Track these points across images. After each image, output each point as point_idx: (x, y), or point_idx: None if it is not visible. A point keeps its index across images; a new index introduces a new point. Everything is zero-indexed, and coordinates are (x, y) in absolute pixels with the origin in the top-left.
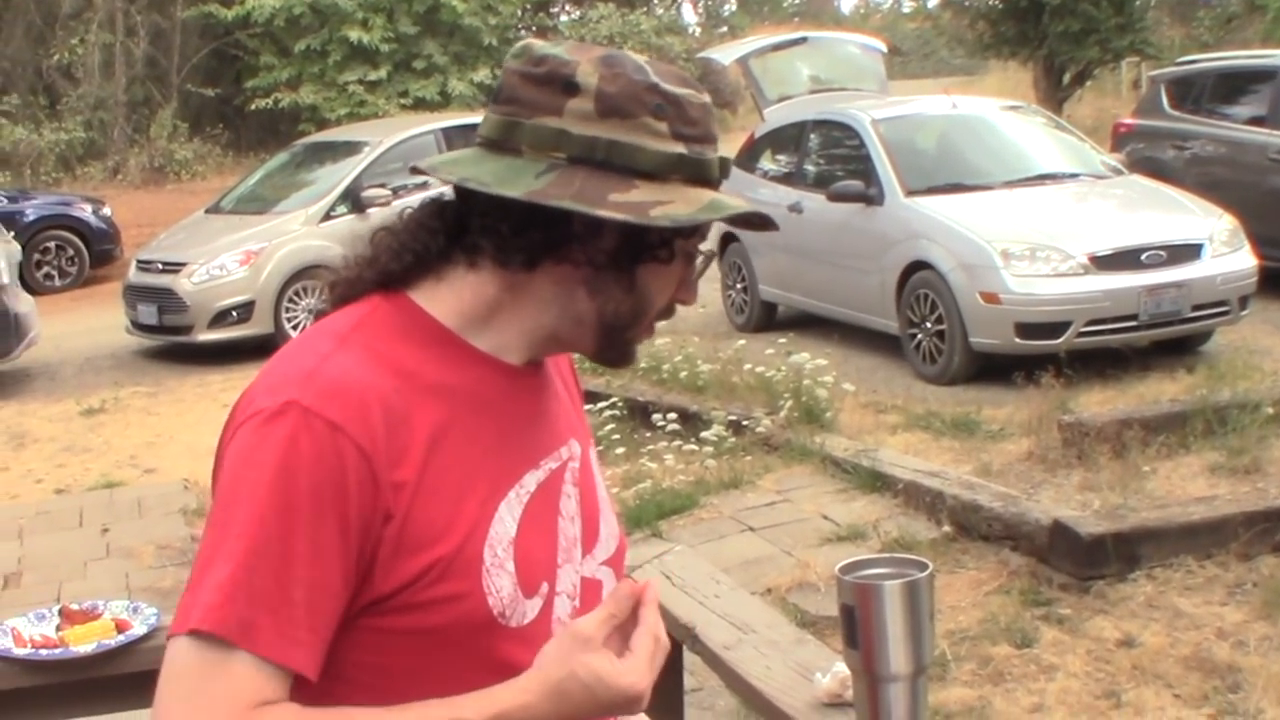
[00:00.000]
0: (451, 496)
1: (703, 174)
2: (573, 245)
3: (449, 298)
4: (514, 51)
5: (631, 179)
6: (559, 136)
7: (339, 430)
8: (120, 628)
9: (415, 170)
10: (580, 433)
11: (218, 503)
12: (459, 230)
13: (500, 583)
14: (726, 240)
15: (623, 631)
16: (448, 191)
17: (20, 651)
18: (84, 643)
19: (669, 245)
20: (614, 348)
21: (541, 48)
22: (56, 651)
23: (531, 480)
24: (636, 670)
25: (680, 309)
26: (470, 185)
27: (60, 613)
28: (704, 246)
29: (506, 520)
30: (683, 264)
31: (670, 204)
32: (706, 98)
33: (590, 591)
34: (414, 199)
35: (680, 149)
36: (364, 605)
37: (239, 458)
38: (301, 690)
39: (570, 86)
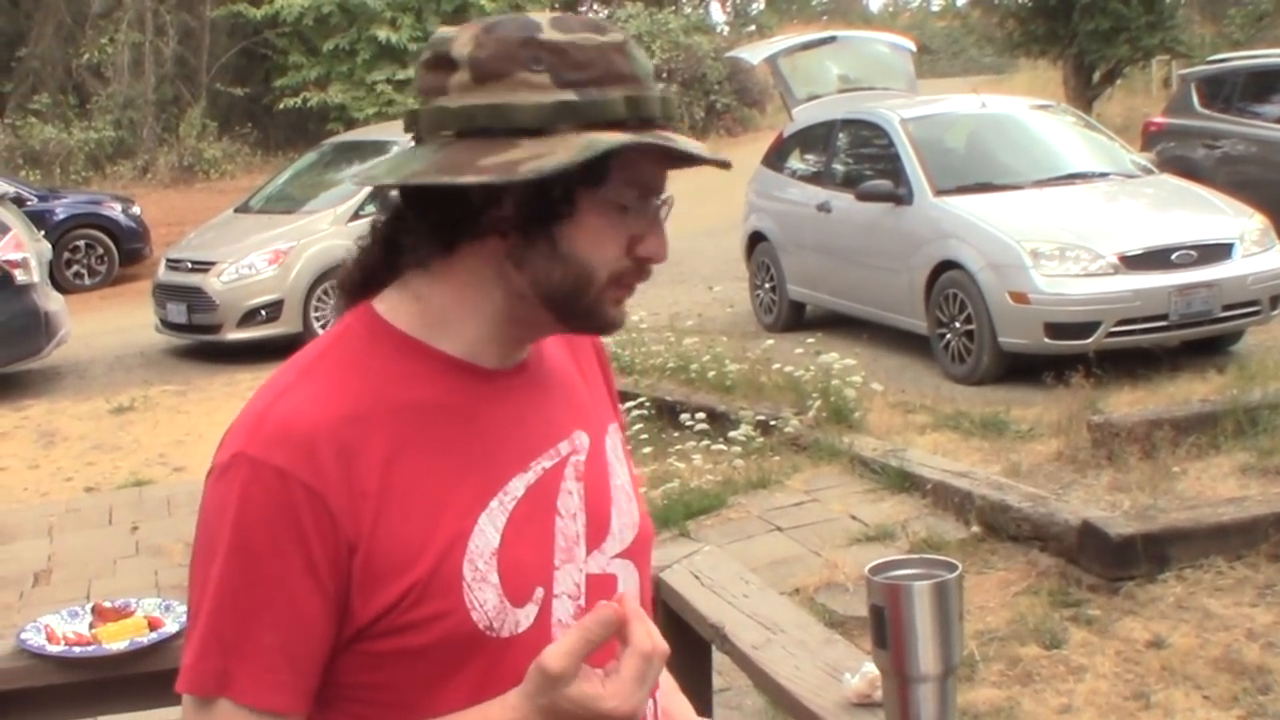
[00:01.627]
0: (421, 518)
1: (601, 115)
2: (478, 220)
3: (408, 303)
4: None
5: (514, 139)
6: (442, 114)
7: (287, 474)
8: (153, 625)
9: (354, 178)
10: (591, 423)
11: (191, 561)
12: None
13: (484, 596)
14: (754, 240)
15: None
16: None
17: (53, 649)
18: (117, 640)
19: (572, 200)
20: (576, 317)
21: (438, 33)
22: (89, 649)
23: (519, 484)
24: (620, 694)
25: (706, 307)
26: (361, 182)
27: (93, 610)
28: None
29: (488, 531)
30: (616, 215)
31: (545, 156)
32: (610, 38)
33: (600, 588)
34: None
35: (566, 95)
36: (351, 634)
37: (201, 515)
38: None
39: (449, 62)
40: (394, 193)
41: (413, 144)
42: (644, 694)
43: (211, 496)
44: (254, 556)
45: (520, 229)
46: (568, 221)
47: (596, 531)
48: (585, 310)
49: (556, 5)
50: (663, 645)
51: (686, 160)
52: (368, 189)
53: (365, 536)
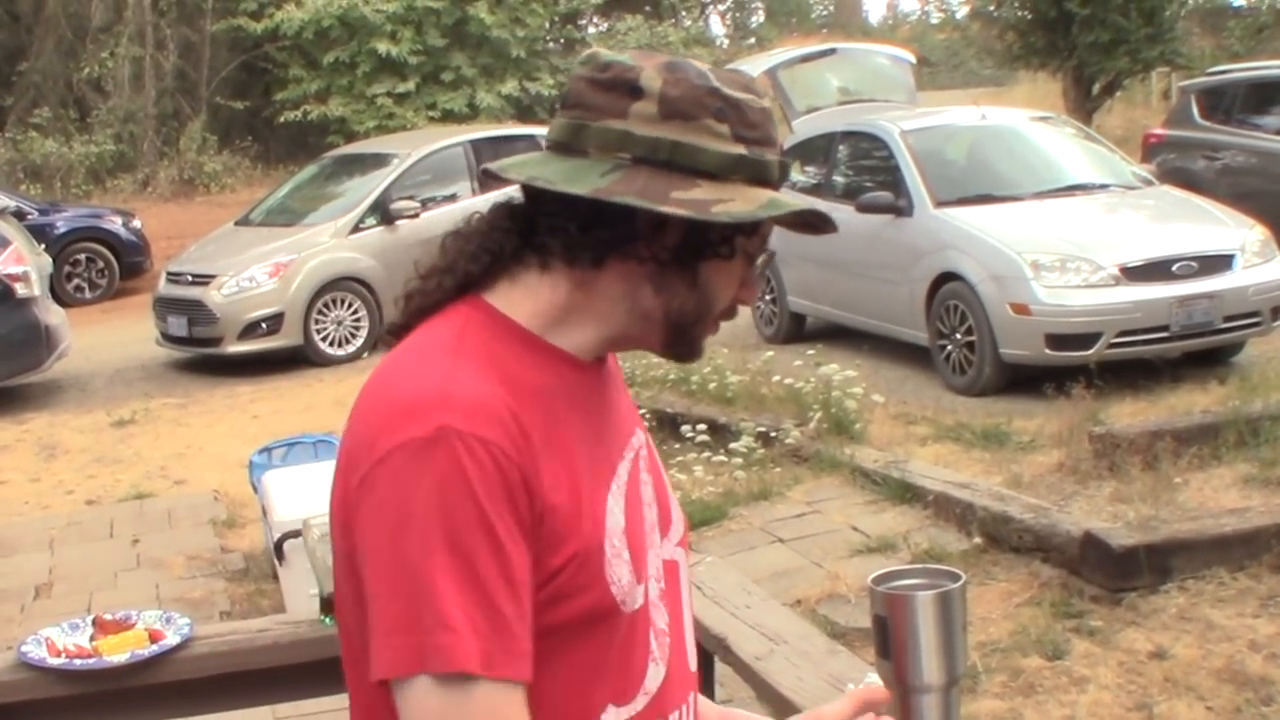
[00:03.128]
0: (572, 494)
1: (763, 175)
2: (638, 242)
3: (526, 300)
4: (581, 59)
5: (694, 178)
6: (624, 138)
7: (495, 444)
8: (153, 638)
9: (486, 172)
10: (640, 422)
11: (390, 540)
12: (529, 231)
13: (619, 572)
14: None
15: None
16: (516, 195)
17: (54, 661)
18: (117, 652)
19: (730, 243)
20: (681, 344)
21: (608, 55)
22: (90, 661)
23: (624, 471)
24: None
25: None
26: (538, 184)
27: (94, 623)
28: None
29: (615, 512)
30: (743, 263)
31: (731, 202)
32: (767, 103)
33: (670, 573)
34: (442, 210)
35: (741, 150)
36: None
37: (400, 492)
38: None
39: (635, 90)
40: (518, 193)
41: (557, 153)
42: None
43: (411, 471)
44: (483, 527)
45: (675, 259)
46: (718, 264)
47: (664, 520)
48: (692, 339)
49: (556, 19)
50: None
51: (811, 226)
52: (367, 203)
53: (546, 507)
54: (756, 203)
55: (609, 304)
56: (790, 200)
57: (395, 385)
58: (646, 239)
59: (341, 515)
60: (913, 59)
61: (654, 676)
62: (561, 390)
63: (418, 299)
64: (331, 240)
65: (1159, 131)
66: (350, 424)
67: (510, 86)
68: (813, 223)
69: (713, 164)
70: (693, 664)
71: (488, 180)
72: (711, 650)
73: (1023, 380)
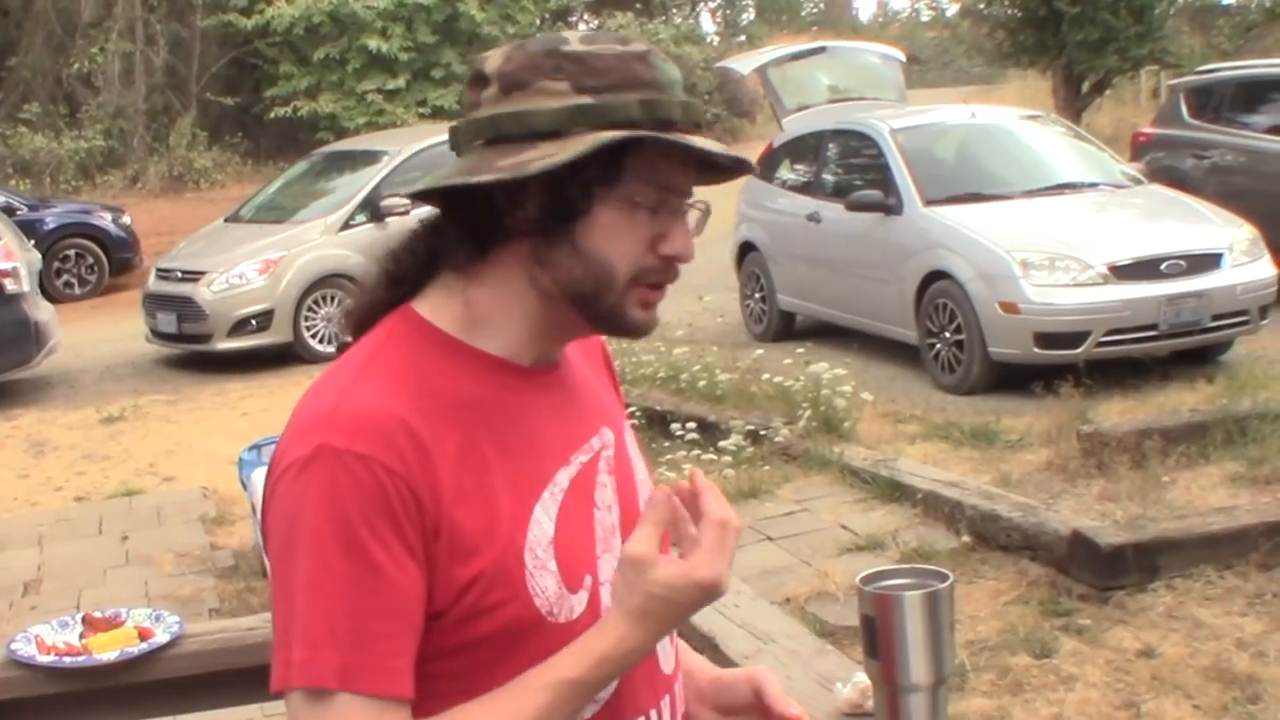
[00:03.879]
0: (486, 507)
1: (613, 117)
2: (504, 222)
3: (449, 305)
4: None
5: (532, 141)
6: (476, 125)
7: (373, 460)
8: (143, 635)
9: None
10: (613, 419)
11: (276, 559)
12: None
13: (545, 583)
14: (745, 250)
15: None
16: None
17: (44, 659)
18: (107, 650)
19: (589, 196)
20: (602, 318)
21: (482, 55)
22: (80, 659)
23: (564, 477)
24: (707, 563)
25: (696, 317)
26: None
27: (83, 620)
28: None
29: (543, 522)
30: (638, 215)
31: (556, 154)
32: (632, 47)
33: None
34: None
35: (583, 100)
36: (427, 620)
37: (285, 512)
38: None
39: (482, 78)
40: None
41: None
42: (728, 561)
43: (294, 491)
44: (354, 544)
45: (542, 229)
46: (586, 219)
47: (628, 522)
48: (610, 310)
49: (547, 16)
50: (735, 515)
51: (713, 167)
52: (357, 200)
53: (445, 521)
54: (584, 144)
55: (513, 292)
56: (613, 134)
57: (303, 404)
58: (509, 216)
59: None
60: (902, 57)
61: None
62: (485, 399)
63: (355, 315)
64: (321, 237)
65: (1148, 130)
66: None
67: None
68: (695, 157)
69: (547, 123)
70: (666, 666)
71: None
72: (700, 649)
73: (1011, 379)
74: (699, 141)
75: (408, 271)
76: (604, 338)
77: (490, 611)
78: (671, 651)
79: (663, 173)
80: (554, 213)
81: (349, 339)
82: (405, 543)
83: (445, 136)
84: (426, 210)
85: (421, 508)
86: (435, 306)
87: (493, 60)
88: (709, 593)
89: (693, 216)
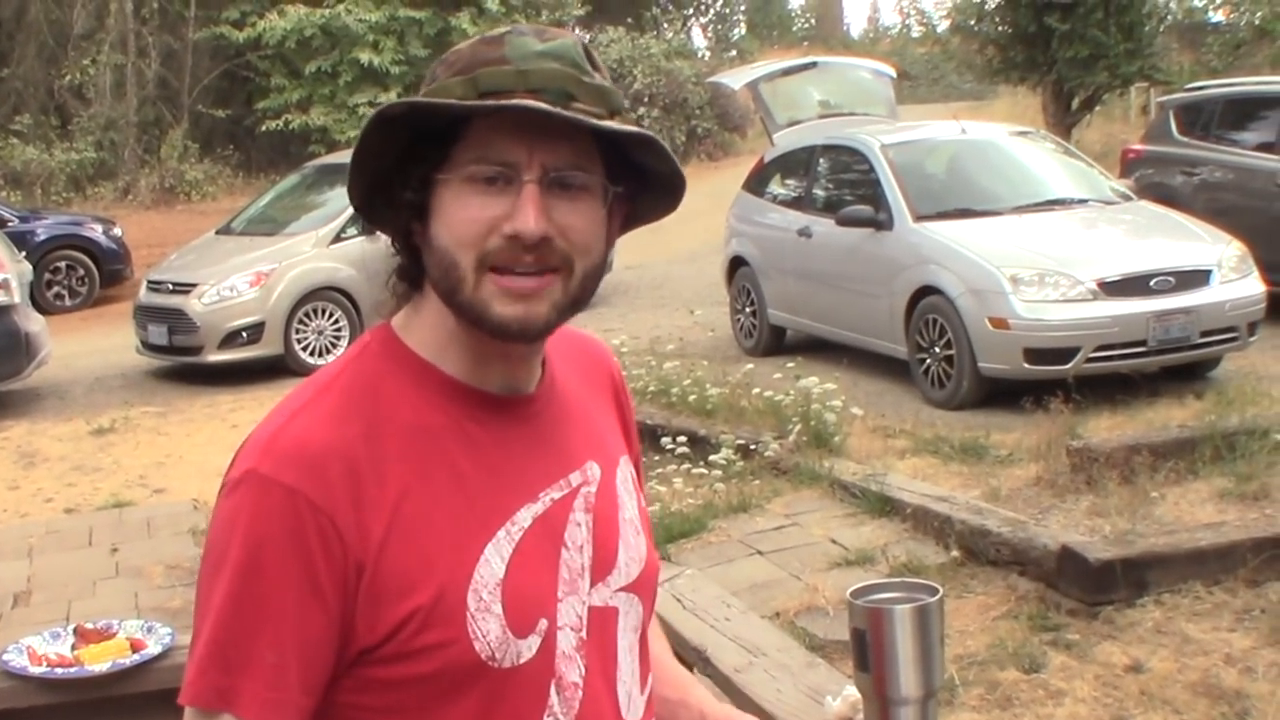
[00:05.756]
0: (428, 543)
1: (435, 107)
2: (403, 232)
3: (419, 325)
4: None
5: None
6: None
7: (295, 492)
8: (135, 647)
9: None
10: (605, 453)
11: (199, 576)
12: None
13: (487, 626)
14: (735, 264)
15: None
16: None
17: (36, 670)
18: (99, 661)
19: (426, 189)
20: (465, 314)
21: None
22: (71, 670)
23: (526, 515)
24: None
25: (686, 331)
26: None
27: (75, 631)
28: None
29: (494, 561)
30: (475, 196)
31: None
32: (492, 32)
33: (601, 621)
34: None
35: (417, 99)
36: (354, 655)
37: (210, 531)
38: None
39: None
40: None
41: None
42: None
43: (220, 513)
44: (259, 573)
45: (401, 236)
46: (435, 215)
47: (602, 564)
48: (468, 304)
49: None
50: None
51: (557, 129)
52: (348, 213)
53: (373, 558)
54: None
55: (432, 306)
56: (397, 103)
57: (258, 426)
58: (401, 223)
59: None
60: (893, 73)
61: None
62: (445, 426)
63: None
64: (313, 250)
65: (1137, 147)
66: None
67: None
68: (540, 121)
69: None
70: (632, 714)
71: None
72: (691, 662)
73: (1001, 394)
74: (526, 104)
75: (393, 289)
76: (616, 366)
77: (426, 652)
78: (641, 701)
79: (496, 147)
80: (410, 215)
81: None
82: (314, 580)
83: None
84: None
85: (345, 543)
86: (405, 323)
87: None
88: None
89: (534, 190)
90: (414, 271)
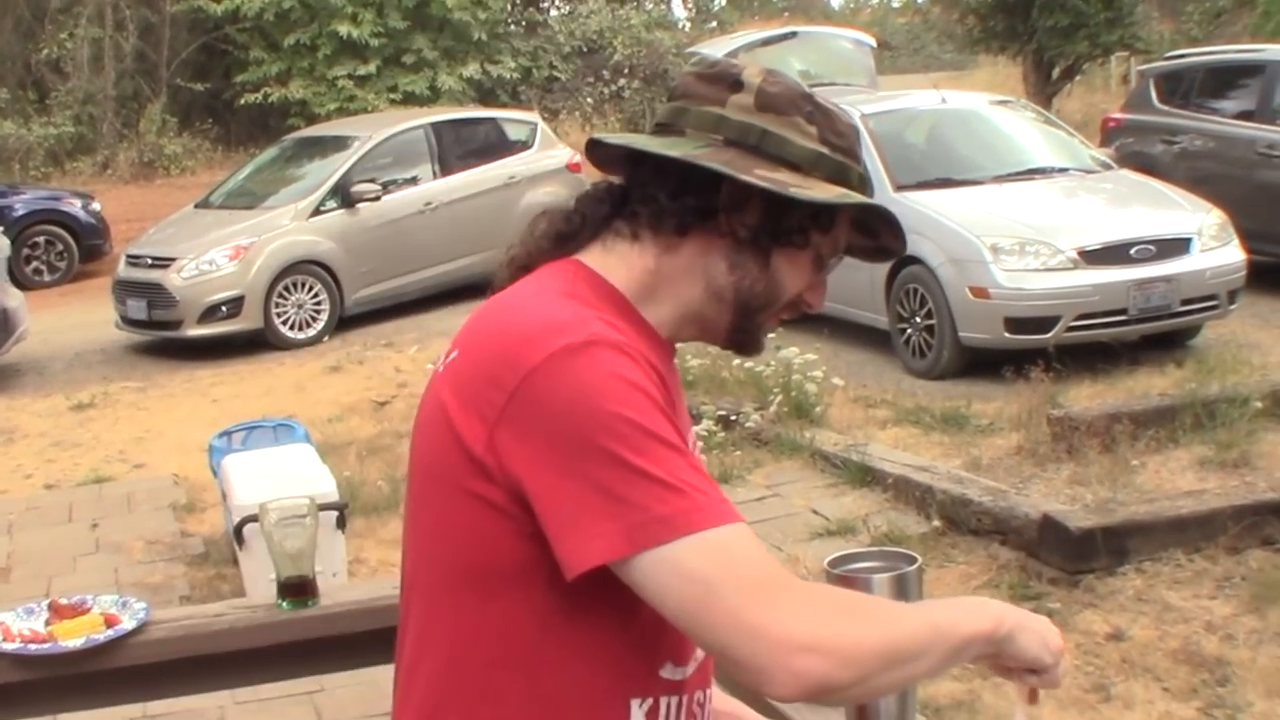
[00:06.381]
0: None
1: (843, 175)
2: (719, 215)
3: (619, 267)
4: (692, 61)
5: (778, 164)
6: (719, 120)
7: (641, 355)
8: (109, 622)
9: (593, 141)
10: None
11: (585, 435)
12: (622, 201)
13: None
14: None
15: None
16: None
17: (9, 646)
18: (73, 637)
19: (805, 233)
20: (745, 330)
21: (712, 55)
22: (45, 646)
23: (695, 445)
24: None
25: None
26: (635, 145)
27: (49, 607)
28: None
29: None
30: (813, 262)
31: (807, 188)
32: (853, 120)
33: None
34: (403, 193)
35: (825, 150)
36: None
37: (573, 388)
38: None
39: (737, 83)
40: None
41: (658, 133)
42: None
43: (588, 373)
44: (657, 408)
45: (752, 238)
46: (787, 249)
47: None
48: (755, 326)
49: (517, 2)
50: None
51: (886, 235)
52: (327, 186)
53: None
54: (833, 193)
55: (688, 276)
56: (860, 197)
57: (524, 314)
58: (728, 212)
59: (474, 431)
60: (873, 43)
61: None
62: (655, 357)
63: (520, 260)
64: (292, 223)
65: (1118, 116)
66: (471, 350)
67: (472, 69)
68: (886, 245)
69: (797, 155)
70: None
71: (590, 152)
72: None
73: (982, 363)
74: (896, 221)
75: (577, 230)
76: None
77: None
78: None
79: (843, 236)
80: (770, 231)
81: (505, 277)
82: (671, 418)
83: (416, 123)
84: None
85: (672, 405)
86: (607, 266)
87: (751, 73)
88: (1051, 635)
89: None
90: (667, 223)
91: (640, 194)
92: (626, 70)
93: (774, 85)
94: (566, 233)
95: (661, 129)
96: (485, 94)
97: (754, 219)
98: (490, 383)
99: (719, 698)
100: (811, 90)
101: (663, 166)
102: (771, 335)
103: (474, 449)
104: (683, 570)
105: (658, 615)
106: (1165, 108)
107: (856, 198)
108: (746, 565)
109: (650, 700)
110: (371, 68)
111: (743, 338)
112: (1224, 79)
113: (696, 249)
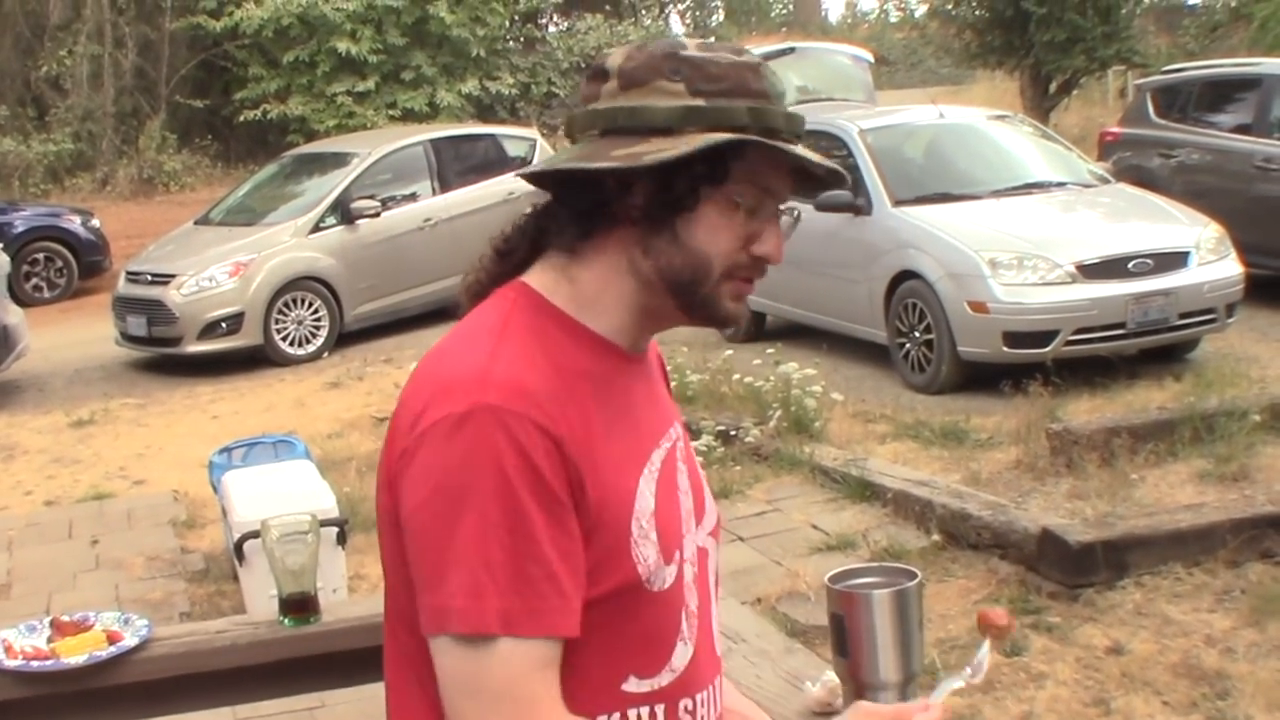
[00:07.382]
0: (609, 473)
1: (723, 121)
2: (611, 208)
3: (560, 284)
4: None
5: (645, 136)
6: (593, 116)
7: (530, 420)
8: (112, 639)
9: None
10: (677, 414)
11: (429, 511)
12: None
13: (646, 552)
14: None
15: None
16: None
17: (11, 663)
18: (75, 654)
19: (694, 192)
20: (695, 306)
21: (602, 53)
22: (48, 663)
23: (657, 458)
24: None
25: None
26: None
27: (51, 624)
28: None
29: (646, 495)
30: (737, 214)
31: (668, 150)
32: (745, 58)
33: (702, 560)
34: (403, 210)
35: (696, 102)
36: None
37: (438, 465)
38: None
39: (603, 73)
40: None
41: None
42: None
43: (447, 446)
44: (516, 495)
45: (647, 218)
46: (689, 214)
47: (699, 509)
48: (704, 300)
49: (516, 18)
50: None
51: (808, 177)
52: (327, 202)
53: (588, 481)
54: (696, 143)
55: (618, 276)
56: (724, 135)
57: (441, 365)
58: (619, 202)
59: (385, 477)
60: (871, 58)
61: (681, 655)
62: (599, 374)
63: (474, 288)
64: (292, 240)
65: (1115, 130)
66: (400, 401)
67: (470, 85)
68: (794, 165)
69: (660, 119)
70: (719, 648)
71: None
72: None
73: (981, 378)
74: (802, 151)
75: (514, 247)
76: (658, 348)
77: (603, 572)
78: (719, 635)
79: (764, 177)
80: (661, 203)
81: (462, 306)
82: (557, 499)
83: (415, 139)
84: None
85: (567, 467)
86: (547, 284)
87: (614, 57)
88: None
89: (785, 222)
90: (570, 231)
91: (550, 208)
92: None
93: (633, 60)
94: (505, 251)
95: (570, 141)
96: (484, 110)
97: (642, 199)
98: (403, 434)
99: (731, 698)
100: (683, 48)
101: (558, 179)
102: (770, 351)
103: (387, 488)
104: (441, 664)
105: (605, 632)
106: (1162, 122)
107: (716, 139)
108: (495, 682)
109: (617, 714)
110: (370, 84)
111: (703, 313)
112: (1221, 93)
113: (616, 247)
